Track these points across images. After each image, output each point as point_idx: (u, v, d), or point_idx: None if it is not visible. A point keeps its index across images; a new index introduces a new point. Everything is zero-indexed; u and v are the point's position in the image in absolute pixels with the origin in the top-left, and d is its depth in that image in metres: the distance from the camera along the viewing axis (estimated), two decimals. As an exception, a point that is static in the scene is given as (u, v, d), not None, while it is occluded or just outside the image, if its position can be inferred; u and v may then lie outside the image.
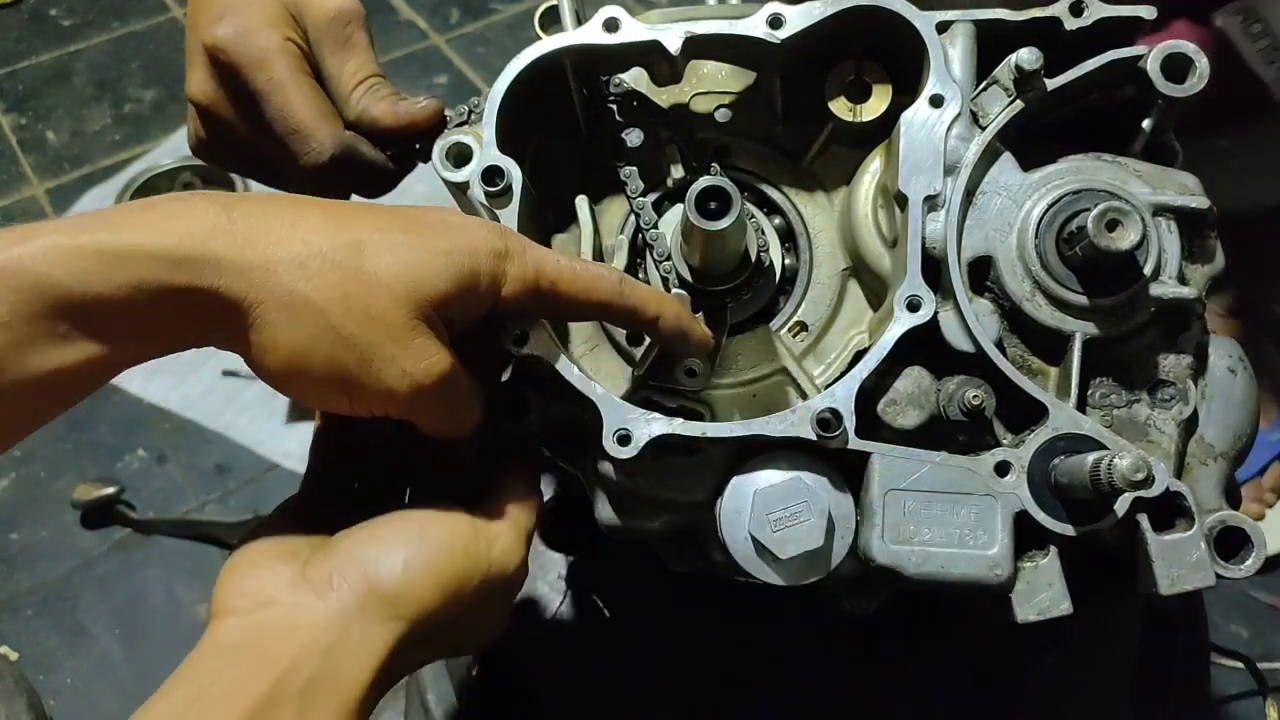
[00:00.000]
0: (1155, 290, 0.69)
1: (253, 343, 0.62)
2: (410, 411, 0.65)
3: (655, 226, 0.77)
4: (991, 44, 0.73)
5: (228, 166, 0.91)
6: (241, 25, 0.81)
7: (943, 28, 0.72)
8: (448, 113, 0.80)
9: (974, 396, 0.67)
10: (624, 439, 0.67)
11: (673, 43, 0.72)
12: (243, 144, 0.86)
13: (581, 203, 0.79)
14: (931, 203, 0.69)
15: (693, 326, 0.72)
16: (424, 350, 0.63)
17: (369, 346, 0.61)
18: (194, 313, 0.60)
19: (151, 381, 1.99)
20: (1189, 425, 0.72)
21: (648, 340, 0.77)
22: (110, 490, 1.81)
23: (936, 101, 0.70)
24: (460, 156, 0.72)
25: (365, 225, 0.63)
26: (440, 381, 0.63)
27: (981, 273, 0.71)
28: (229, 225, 0.59)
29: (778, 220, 0.81)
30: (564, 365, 0.68)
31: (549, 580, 1.03)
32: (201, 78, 0.84)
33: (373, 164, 0.84)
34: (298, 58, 0.83)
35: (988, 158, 0.71)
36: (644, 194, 0.79)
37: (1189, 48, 0.68)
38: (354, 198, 0.88)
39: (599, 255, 0.79)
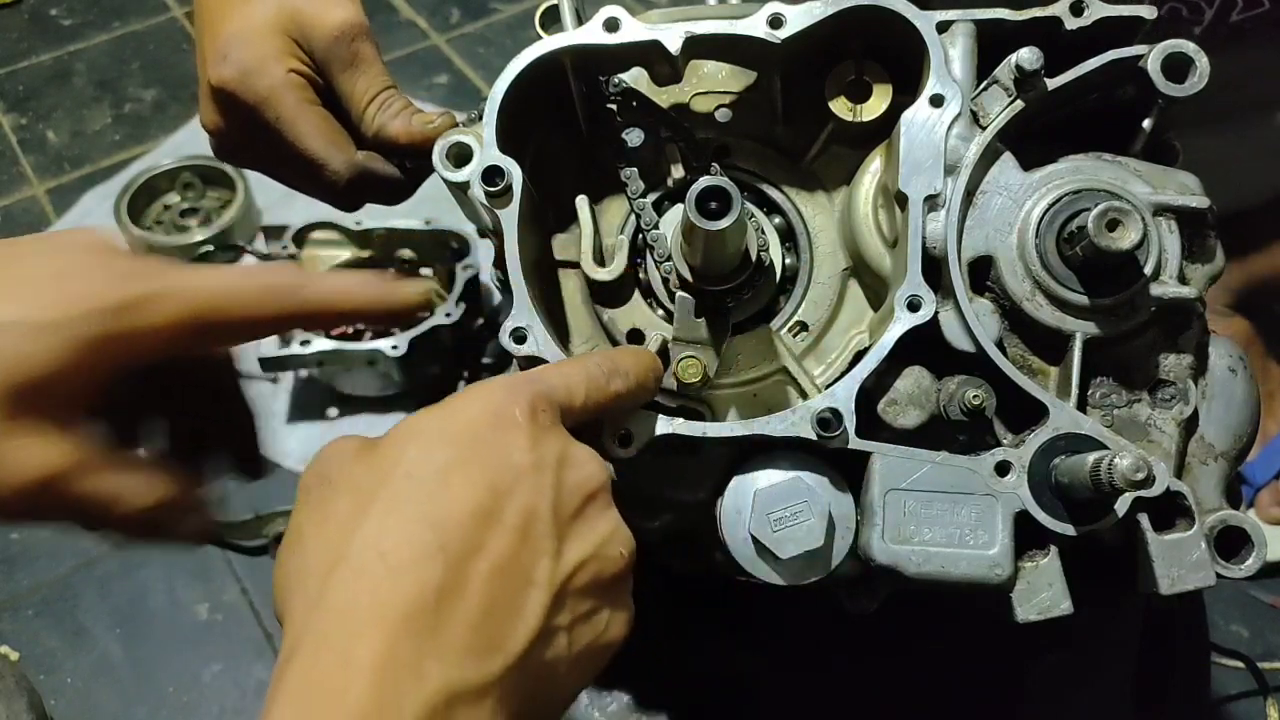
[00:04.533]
0: (1155, 290, 0.69)
1: None
2: (33, 517, 0.59)
3: (656, 227, 0.77)
4: (991, 44, 0.73)
5: (252, 169, 0.93)
6: (245, 63, 0.82)
7: (943, 27, 0.72)
8: (459, 118, 0.80)
9: (974, 396, 0.67)
10: (625, 439, 0.67)
11: (673, 43, 0.72)
12: (260, 159, 0.88)
13: (581, 203, 0.78)
14: (932, 202, 0.69)
15: (394, 293, 0.68)
16: (17, 453, 0.55)
17: None
18: None
19: (152, 381, 1.99)
20: (1189, 425, 0.72)
21: (649, 340, 0.77)
22: (110, 490, 1.80)
23: (937, 101, 0.70)
24: (460, 156, 0.72)
25: None
26: (45, 483, 0.55)
27: (982, 272, 0.71)
28: None
29: (778, 220, 0.81)
30: (564, 365, 0.68)
31: (549, 580, 1.03)
32: (211, 110, 0.85)
33: (388, 178, 0.86)
34: (303, 88, 0.84)
35: (988, 157, 0.71)
36: (644, 194, 0.79)
37: (1189, 47, 0.68)
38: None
39: (600, 255, 0.79)
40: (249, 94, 0.83)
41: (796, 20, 0.71)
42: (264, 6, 0.85)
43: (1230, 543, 0.68)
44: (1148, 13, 0.71)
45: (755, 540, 0.66)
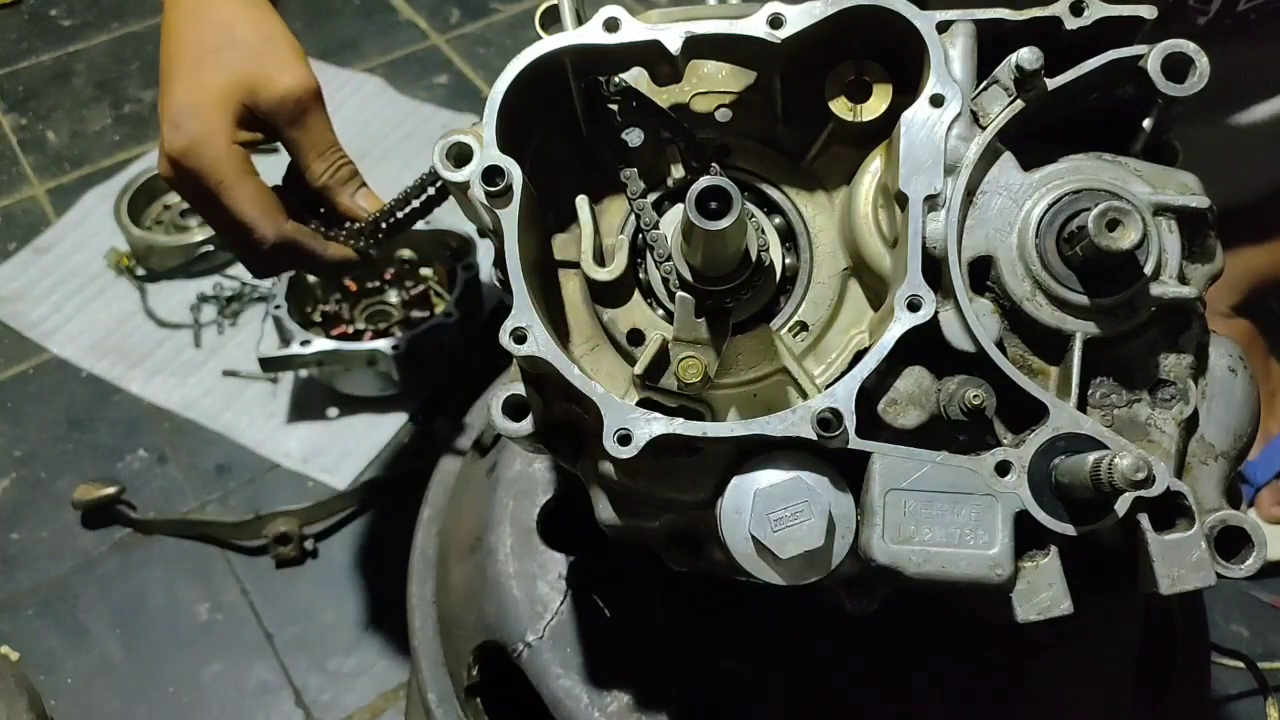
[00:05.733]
0: (1156, 290, 0.69)
1: None
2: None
3: (656, 227, 0.77)
4: (992, 44, 0.73)
5: (200, 215, 1.08)
6: (194, 134, 0.96)
7: (943, 27, 0.72)
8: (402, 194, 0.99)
9: (974, 396, 0.67)
10: (624, 439, 0.67)
11: (673, 42, 0.72)
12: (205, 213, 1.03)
13: (582, 203, 0.79)
14: (932, 202, 0.69)
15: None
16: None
17: None
18: None
19: (151, 381, 1.98)
20: (1189, 425, 0.72)
21: (649, 340, 0.77)
22: (110, 490, 1.80)
23: (937, 101, 0.69)
24: (460, 156, 0.72)
25: None
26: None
27: (982, 272, 0.71)
28: None
29: (778, 220, 0.81)
30: (564, 365, 0.68)
31: (549, 580, 1.03)
32: (166, 165, 0.99)
33: (310, 252, 1.02)
34: (243, 159, 0.99)
35: (988, 157, 0.71)
36: (644, 194, 0.79)
37: (1189, 47, 0.68)
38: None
39: (600, 255, 0.79)
40: (194, 162, 0.96)
41: (796, 20, 0.71)
42: (217, 75, 0.98)
43: (1230, 543, 0.68)
44: (1148, 12, 0.71)
45: (755, 540, 0.66)
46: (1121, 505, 0.66)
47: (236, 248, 1.04)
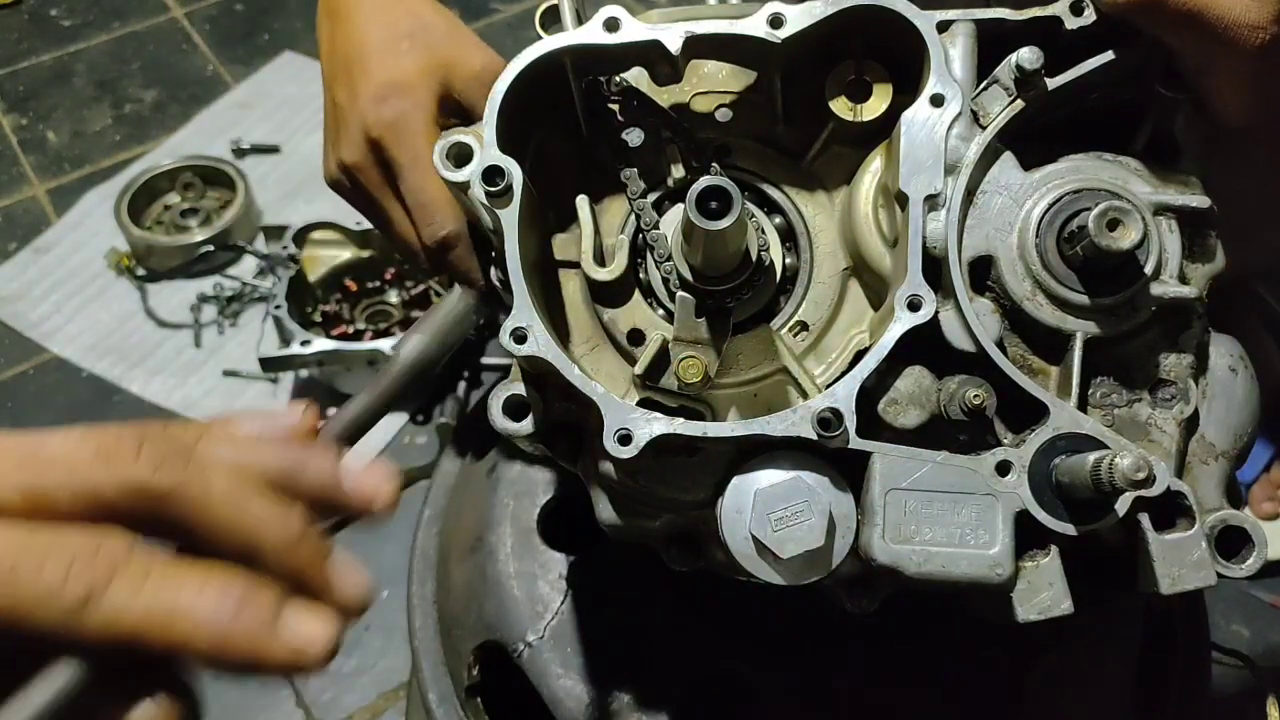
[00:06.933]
0: (1156, 289, 0.69)
1: None
2: None
3: (656, 227, 0.77)
4: (991, 44, 0.73)
5: (357, 207, 1.07)
6: (401, 109, 0.97)
7: (943, 27, 0.72)
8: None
9: (975, 396, 0.67)
10: (625, 439, 0.67)
11: (673, 42, 0.72)
12: (375, 203, 1.02)
13: (582, 202, 0.78)
14: (932, 202, 0.69)
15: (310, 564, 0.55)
16: None
17: None
18: None
19: (152, 381, 1.99)
20: (1190, 424, 0.72)
21: (649, 340, 0.77)
22: (111, 490, 1.80)
23: (937, 101, 0.69)
24: (461, 156, 0.72)
25: None
26: None
27: (982, 272, 0.71)
28: None
29: (778, 220, 0.81)
30: (564, 365, 0.68)
31: (549, 580, 1.03)
32: (355, 144, 0.99)
33: (468, 258, 0.98)
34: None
35: (988, 157, 0.71)
36: (644, 194, 0.79)
37: (1190, 47, 0.68)
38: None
39: (600, 255, 0.79)
40: (394, 136, 0.96)
41: (797, 20, 0.71)
42: (415, 57, 0.99)
43: (1231, 542, 0.68)
44: (1148, 12, 0.71)
45: (756, 540, 0.66)
46: (1122, 505, 0.66)
47: (406, 231, 1.01)
